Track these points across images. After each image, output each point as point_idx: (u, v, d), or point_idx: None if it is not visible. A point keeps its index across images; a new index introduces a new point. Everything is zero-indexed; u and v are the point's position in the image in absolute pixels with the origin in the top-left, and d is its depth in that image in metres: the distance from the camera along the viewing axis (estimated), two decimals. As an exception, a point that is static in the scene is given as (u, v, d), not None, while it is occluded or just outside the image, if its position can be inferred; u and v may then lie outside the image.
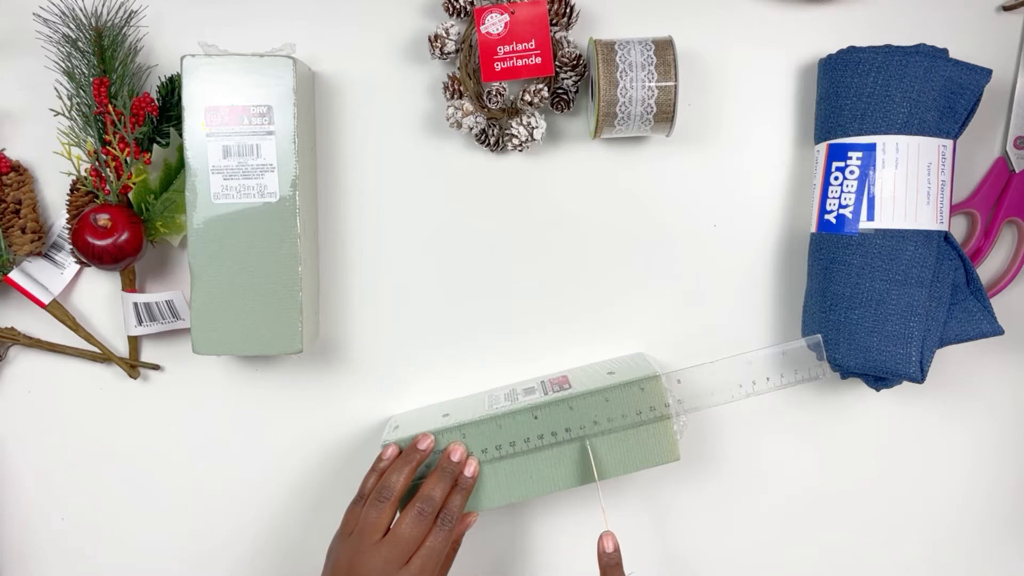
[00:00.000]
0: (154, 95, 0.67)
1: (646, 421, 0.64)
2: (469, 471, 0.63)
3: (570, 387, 0.66)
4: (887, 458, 0.73)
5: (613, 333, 0.72)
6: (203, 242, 0.64)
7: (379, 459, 0.64)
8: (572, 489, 0.66)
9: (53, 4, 0.68)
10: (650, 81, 0.64)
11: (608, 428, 0.64)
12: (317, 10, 0.70)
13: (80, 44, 0.66)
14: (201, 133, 0.64)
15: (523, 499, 0.65)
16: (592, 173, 0.71)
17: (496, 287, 0.72)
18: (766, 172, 0.71)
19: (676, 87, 0.64)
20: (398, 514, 0.62)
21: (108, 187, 0.66)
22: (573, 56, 0.66)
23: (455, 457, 0.63)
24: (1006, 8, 0.70)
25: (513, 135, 0.67)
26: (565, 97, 0.68)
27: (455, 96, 0.67)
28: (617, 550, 0.62)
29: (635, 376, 0.65)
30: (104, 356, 0.71)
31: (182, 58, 0.63)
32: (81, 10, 0.67)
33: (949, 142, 0.64)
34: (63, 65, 0.67)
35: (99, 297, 0.72)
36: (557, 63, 0.66)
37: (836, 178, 0.65)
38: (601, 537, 0.62)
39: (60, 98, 0.68)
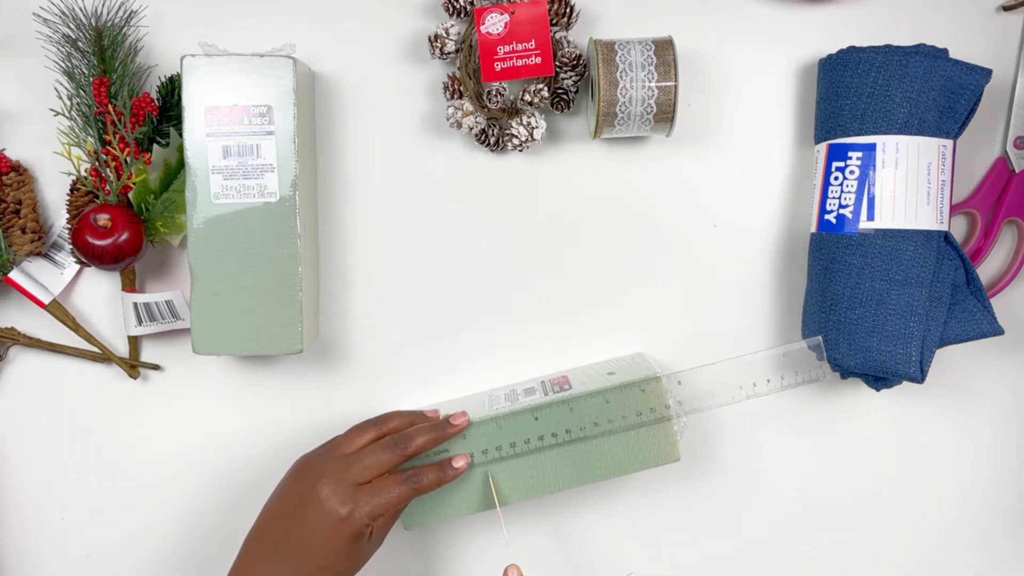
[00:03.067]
0: (154, 95, 0.67)
1: (646, 422, 0.64)
2: (458, 463, 0.63)
3: (570, 388, 0.66)
4: (887, 458, 0.73)
5: (613, 333, 0.72)
6: (203, 242, 0.64)
7: (420, 414, 0.66)
8: (572, 490, 0.66)
9: (53, 4, 0.68)
10: (650, 81, 0.64)
11: (608, 429, 0.65)
12: (317, 10, 0.70)
13: (80, 44, 0.66)
14: (201, 133, 0.64)
15: (523, 500, 0.65)
16: (592, 173, 0.71)
17: (496, 287, 0.72)
18: (766, 172, 0.71)
19: (676, 87, 0.64)
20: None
21: (108, 187, 0.66)
22: (573, 56, 0.66)
23: (455, 420, 0.64)
24: (1006, 8, 0.70)
25: (513, 135, 0.67)
26: (565, 97, 0.68)
27: (455, 96, 0.67)
28: None
29: (635, 377, 0.65)
30: (104, 356, 0.71)
31: (182, 58, 0.63)
32: (81, 10, 0.67)
33: (949, 142, 0.64)
34: (63, 65, 0.67)
35: (99, 297, 0.72)
36: (557, 63, 0.66)
37: (836, 178, 0.65)
38: (506, 570, 0.61)
39: (60, 98, 0.68)
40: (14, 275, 0.69)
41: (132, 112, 0.66)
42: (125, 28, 0.67)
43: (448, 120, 0.67)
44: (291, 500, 0.61)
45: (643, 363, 0.68)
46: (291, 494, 0.62)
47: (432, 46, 0.67)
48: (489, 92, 0.66)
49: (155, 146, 0.68)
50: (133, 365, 0.71)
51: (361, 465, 0.61)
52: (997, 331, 0.65)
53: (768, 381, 0.66)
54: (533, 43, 0.65)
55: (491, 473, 0.65)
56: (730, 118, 0.71)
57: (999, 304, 0.71)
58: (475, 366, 0.72)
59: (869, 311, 0.64)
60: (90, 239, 0.65)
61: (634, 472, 0.65)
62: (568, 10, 0.66)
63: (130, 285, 0.69)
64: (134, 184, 0.67)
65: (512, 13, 0.64)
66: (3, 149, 0.69)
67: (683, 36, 0.69)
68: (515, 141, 0.67)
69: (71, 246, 0.66)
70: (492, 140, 0.69)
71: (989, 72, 0.64)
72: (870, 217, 0.64)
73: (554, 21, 0.66)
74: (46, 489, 0.73)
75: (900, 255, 0.63)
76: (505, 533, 0.66)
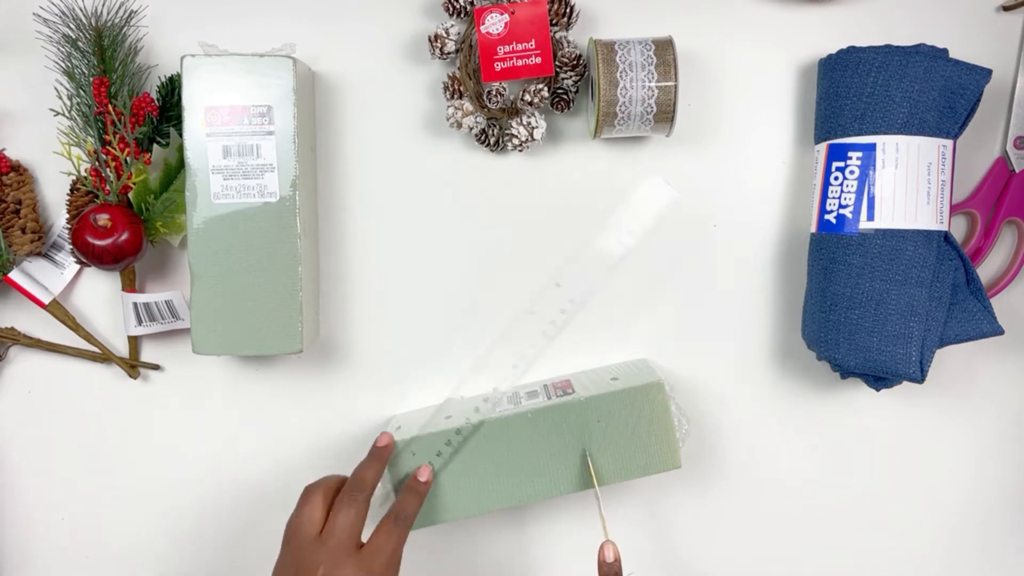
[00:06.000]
0: (154, 95, 0.67)
1: (648, 428, 0.64)
2: (423, 475, 0.64)
3: (573, 391, 0.66)
4: (887, 458, 0.73)
5: (612, 333, 0.72)
6: (203, 242, 0.64)
7: (328, 478, 0.64)
8: (573, 494, 0.66)
9: (53, 4, 0.68)
10: (650, 81, 0.64)
11: (610, 434, 0.65)
12: (317, 10, 0.70)
13: (80, 44, 0.66)
14: (201, 133, 0.64)
15: (524, 503, 0.65)
16: (592, 173, 0.71)
17: (496, 287, 0.72)
18: (766, 172, 0.71)
19: (676, 87, 0.64)
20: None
21: (108, 187, 0.66)
22: (573, 56, 0.66)
23: (380, 443, 0.64)
24: (1006, 8, 0.70)
25: (513, 135, 0.67)
26: (565, 97, 0.68)
27: (455, 96, 0.67)
28: (618, 560, 0.61)
29: (638, 382, 0.65)
30: (104, 356, 0.71)
31: (182, 58, 0.63)
32: (81, 10, 0.67)
33: (949, 142, 0.64)
34: (63, 65, 0.67)
35: (99, 297, 0.72)
36: (557, 63, 0.66)
37: (836, 178, 0.65)
38: (602, 546, 0.61)
39: (60, 98, 0.68)
40: (14, 275, 0.69)
41: (132, 112, 0.66)
42: (125, 28, 0.67)
43: (448, 120, 0.67)
44: None
45: (646, 369, 0.68)
46: None
47: (432, 46, 0.67)
48: (489, 92, 0.66)
49: (155, 146, 0.68)
50: (133, 365, 0.71)
51: (341, 534, 0.59)
52: (997, 331, 0.65)
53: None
54: (533, 43, 0.65)
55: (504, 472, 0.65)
56: (730, 118, 0.71)
57: (999, 304, 0.71)
58: (475, 367, 0.72)
59: (869, 311, 0.64)
60: (90, 239, 0.65)
61: (635, 478, 0.65)
62: (568, 10, 0.66)
63: (130, 285, 0.69)
64: (134, 184, 0.66)
65: (512, 13, 0.64)
66: (3, 149, 0.69)
67: (683, 36, 0.69)
68: (515, 141, 0.67)
69: (71, 246, 0.66)
70: (492, 140, 0.69)
71: (989, 72, 0.63)
72: (870, 217, 0.64)
73: (554, 21, 0.66)
74: (46, 489, 0.73)
75: (900, 255, 0.63)
76: (600, 508, 0.64)
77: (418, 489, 0.63)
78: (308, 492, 0.61)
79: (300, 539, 0.60)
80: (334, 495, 0.62)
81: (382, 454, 0.64)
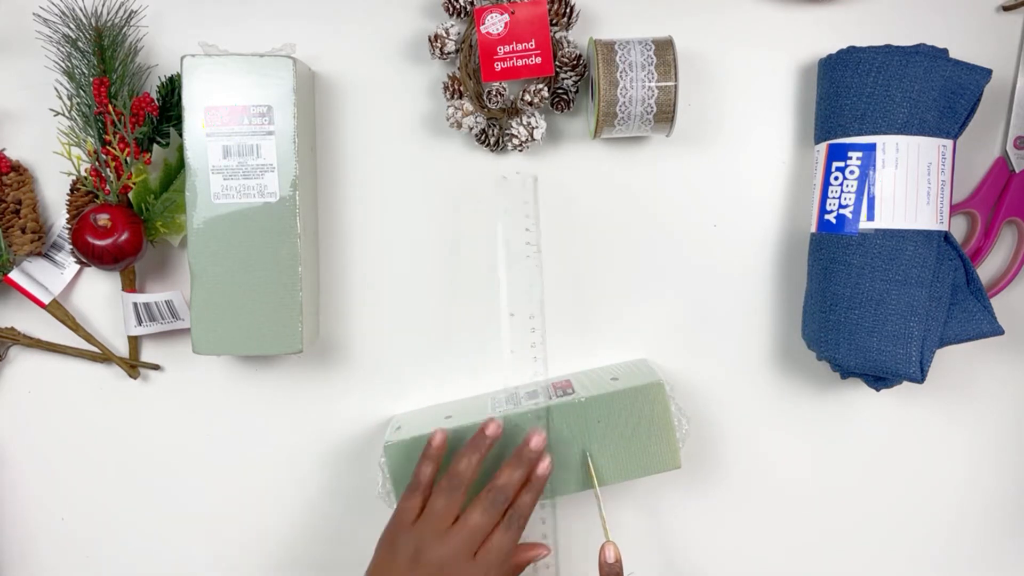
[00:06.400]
0: (154, 95, 0.67)
1: (648, 428, 0.64)
2: (542, 469, 0.62)
3: (573, 392, 0.66)
4: (888, 458, 0.73)
5: (612, 333, 0.72)
6: (203, 242, 0.64)
7: (429, 446, 0.63)
8: (574, 495, 0.66)
9: (53, 4, 0.68)
10: (650, 81, 0.64)
11: (610, 434, 0.65)
12: (317, 10, 0.70)
13: (80, 44, 0.66)
14: (201, 133, 0.64)
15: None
16: (592, 173, 0.71)
17: (497, 287, 0.71)
18: (766, 172, 0.71)
19: (676, 87, 0.64)
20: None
21: (108, 187, 0.66)
22: (573, 56, 0.66)
23: (533, 445, 0.62)
24: (1006, 8, 0.70)
25: (513, 135, 0.67)
26: (565, 97, 0.68)
27: (455, 96, 0.67)
28: (618, 561, 0.61)
29: (638, 383, 0.65)
30: (104, 356, 0.71)
31: (182, 58, 0.63)
32: (81, 10, 0.67)
33: (949, 142, 0.64)
34: (63, 65, 0.67)
35: (99, 297, 0.72)
36: (557, 63, 0.66)
37: (836, 178, 0.65)
38: (603, 547, 0.61)
39: (60, 98, 0.68)
40: (14, 275, 0.69)
41: (132, 112, 0.66)
42: (125, 28, 0.67)
43: (448, 120, 0.67)
44: None
45: (647, 369, 0.68)
46: None
47: (432, 46, 0.67)
48: (489, 92, 0.66)
49: (155, 146, 0.68)
50: (133, 365, 0.71)
51: (468, 536, 0.59)
52: (997, 331, 0.65)
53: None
54: (533, 43, 0.65)
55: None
56: (730, 118, 0.71)
57: (999, 304, 0.71)
58: (476, 367, 0.72)
59: (869, 311, 0.64)
60: (90, 239, 0.65)
61: (635, 478, 0.65)
62: (568, 10, 0.66)
63: (130, 285, 0.69)
64: (134, 184, 0.66)
65: (512, 13, 0.64)
66: (3, 149, 0.69)
67: (683, 36, 0.69)
68: (515, 141, 0.67)
69: (71, 246, 0.66)
70: (492, 140, 0.69)
71: (989, 72, 0.63)
72: (870, 217, 0.64)
73: (554, 21, 0.66)
74: (46, 489, 0.73)
75: (900, 255, 0.63)
76: (601, 509, 0.64)
77: (536, 484, 0.61)
78: (413, 486, 0.61)
79: (420, 527, 0.60)
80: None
81: (483, 444, 0.62)
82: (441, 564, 0.58)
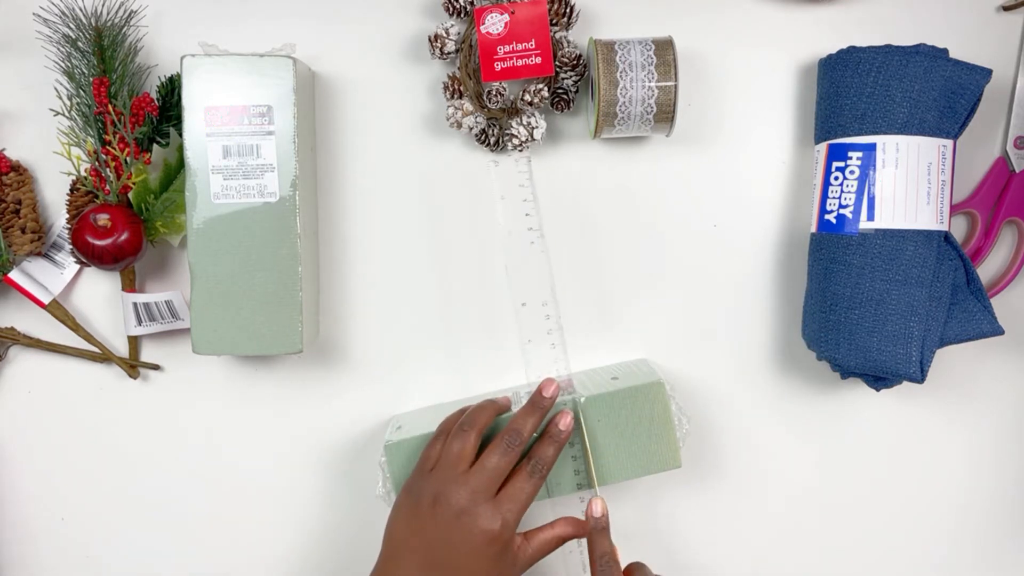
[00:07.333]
0: (154, 95, 0.67)
1: (649, 427, 0.64)
2: (564, 424, 0.63)
3: (573, 391, 0.66)
4: (888, 458, 0.73)
5: (612, 333, 0.72)
6: (203, 242, 0.64)
7: (490, 402, 0.64)
8: (573, 495, 0.66)
9: (53, 4, 0.68)
10: (650, 81, 0.64)
11: (610, 434, 0.65)
12: (317, 10, 0.70)
13: (80, 44, 0.66)
14: (201, 133, 0.64)
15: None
16: (592, 173, 0.71)
17: (496, 288, 0.72)
18: (766, 172, 0.71)
19: (676, 87, 0.64)
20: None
21: (108, 187, 0.66)
22: (573, 56, 0.66)
23: (547, 392, 0.63)
24: (1006, 8, 0.70)
25: (513, 135, 0.67)
26: (565, 97, 0.68)
27: (455, 96, 0.67)
28: (605, 515, 0.62)
29: (639, 382, 0.65)
30: (104, 356, 0.71)
31: (182, 58, 0.63)
32: (81, 10, 0.67)
33: (949, 142, 0.64)
34: (63, 65, 0.67)
35: (99, 297, 0.72)
36: (557, 63, 0.66)
37: (836, 178, 0.65)
38: (591, 501, 0.62)
39: (60, 98, 0.68)
40: (14, 275, 0.69)
41: (132, 112, 0.66)
42: (125, 28, 0.67)
43: (448, 120, 0.67)
44: (434, 531, 0.59)
45: (647, 369, 0.68)
46: (432, 527, 0.59)
47: (432, 46, 0.67)
48: (489, 92, 0.66)
49: (155, 146, 0.68)
50: (133, 365, 0.71)
51: (486, 476, 0.60)
52: (997, 331, 0.65)
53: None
54: (533, 43, 0.65)
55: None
56: (730, 118, 0.71)
57: (999, 304, 0.71)
58: (476, 367, 0.72)
59: (869, 311, 0.64)
60: (90, 239, 0.65)
61: (635, 478, 0.65)
62: (568, 10, 0.66)
63: (130, 285, 0.69)
64: (134, 184, 0.66)
65: (512, 13, 0.64)
66: (3, 149, 0.69)
67: (683, 36, 0.69)
68: (515, 141, 0.67)
69: (71, 246, 0.66)
70: (492, 140, 0.69)
71: (989, 72, 0.64)
72: (870, 217, 0.64)
73: (554, 21, 0.66)
74: (46, 489, 0.73)
75: (900, 255, 0.63)
76: (596, 489, 0.64)
77: (558, 438, 0.62)
78: (445, 429, 0.63)
79: (442, 469, 0.61)
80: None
81: (542, 403, 0.62)
82: (461, 506, 0.59)
